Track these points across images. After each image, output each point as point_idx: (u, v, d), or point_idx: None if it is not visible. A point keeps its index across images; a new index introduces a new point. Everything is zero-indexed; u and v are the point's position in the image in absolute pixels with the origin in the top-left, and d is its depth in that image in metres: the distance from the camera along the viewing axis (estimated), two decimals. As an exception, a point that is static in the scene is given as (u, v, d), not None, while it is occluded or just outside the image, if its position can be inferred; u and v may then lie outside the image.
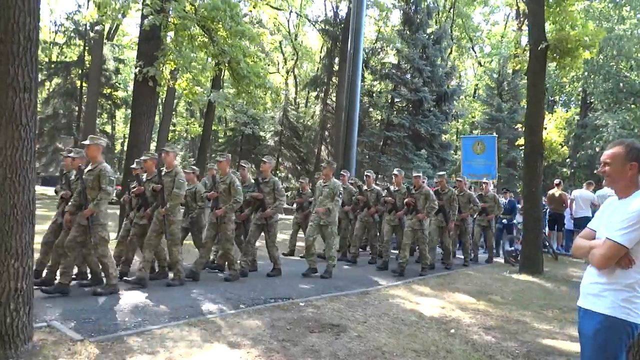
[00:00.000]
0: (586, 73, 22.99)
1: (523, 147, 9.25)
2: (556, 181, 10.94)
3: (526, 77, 24.04)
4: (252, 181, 6.96)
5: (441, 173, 8.64)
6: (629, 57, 22.75)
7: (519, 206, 12.33)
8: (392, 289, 6.36)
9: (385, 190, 8.15)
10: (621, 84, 23.40)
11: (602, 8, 23.86)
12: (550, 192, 10.75)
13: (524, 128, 9.45)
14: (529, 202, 8.37)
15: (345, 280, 6.72)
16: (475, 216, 9.38)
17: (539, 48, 8.25)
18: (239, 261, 6.46)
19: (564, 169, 24.57)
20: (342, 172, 9.01)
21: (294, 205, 9.43)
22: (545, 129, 9.16)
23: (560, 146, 9.83)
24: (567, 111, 10.43)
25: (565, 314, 5.57)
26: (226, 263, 6.46)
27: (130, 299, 4.94)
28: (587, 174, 25.67)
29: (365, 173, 8.85)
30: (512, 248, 9.18)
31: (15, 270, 3.19)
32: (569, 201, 10.80)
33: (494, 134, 24.04)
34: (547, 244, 9.59)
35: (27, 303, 3.27)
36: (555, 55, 8.45)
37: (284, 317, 4.53)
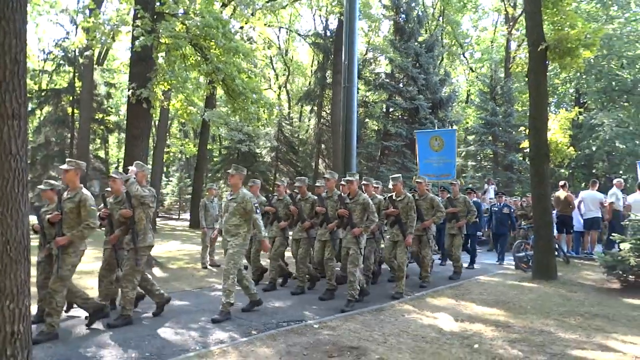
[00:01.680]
0: (578, 73, 23.08)
1: (527, 150, 9.03)
2: (561, 183, 10.73)
3: (521, 80, 24.26)
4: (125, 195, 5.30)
5: (395, 176, 7.00)
6: (619, 56, 22.88)
7: (485, 207, 11.79)
8: (406, 304, 6.12)
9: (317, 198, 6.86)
10: (613, 83, 23.54)
11: (589, 9, 24.01)
12: (556, 194, 10.53)
13: (527, 130, 9.25)
14: (539, 207, 8.13)
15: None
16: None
17: (538, 49, 8.13)
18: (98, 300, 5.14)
19: (562, 170, 24.48)
20: (277, 183, 7.51)
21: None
22: (550, 130, 8.93)
23: (566, 147, 9.60)
24: (570, 110, 10.16)
25: (588, 320, 5.36)
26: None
27: (133, 333, 4.67)
28: (585, 173, 25.60)
29: (296, 182, 7.36)
30: (523, 254, 8.93)
31: (11, 312, 2.93)
32: (576, 202, 10.62)
33: (489, 138, 24.14)
34: (558, 248, 9.37)
35: (25, 347, 3.01)
36: (555, 55, 8.33)
37: (299, 342, 4.28)
